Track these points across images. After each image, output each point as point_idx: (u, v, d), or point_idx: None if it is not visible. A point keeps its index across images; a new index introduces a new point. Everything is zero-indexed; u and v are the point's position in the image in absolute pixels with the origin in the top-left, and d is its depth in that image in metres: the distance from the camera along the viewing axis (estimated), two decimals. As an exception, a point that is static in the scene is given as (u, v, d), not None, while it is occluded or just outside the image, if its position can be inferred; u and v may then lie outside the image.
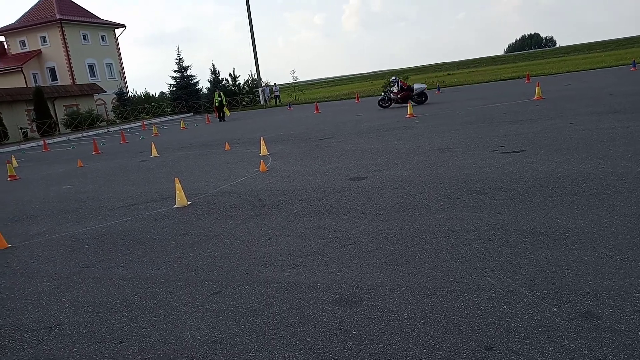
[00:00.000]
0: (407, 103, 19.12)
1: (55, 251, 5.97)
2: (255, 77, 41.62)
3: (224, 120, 27.71)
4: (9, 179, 13.51)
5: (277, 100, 40.13)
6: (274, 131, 17.38)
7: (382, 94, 21.60)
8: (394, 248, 4.57)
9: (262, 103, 39.98)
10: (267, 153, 11.74)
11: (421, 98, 19.92)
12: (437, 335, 3.01)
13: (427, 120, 14.47)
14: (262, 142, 12.12)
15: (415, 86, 20.12)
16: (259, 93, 40.71)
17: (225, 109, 29.05)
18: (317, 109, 25.25)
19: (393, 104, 20.44)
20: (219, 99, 28.24)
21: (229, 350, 3.16)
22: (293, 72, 47.86)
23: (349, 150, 10.83)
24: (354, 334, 3.17)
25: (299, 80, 42.53)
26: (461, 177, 6.95)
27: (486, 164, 7.59)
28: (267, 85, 41.69)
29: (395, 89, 19.96)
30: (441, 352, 2.82)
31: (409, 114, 15.95)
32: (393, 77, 20.54)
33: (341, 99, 35.05)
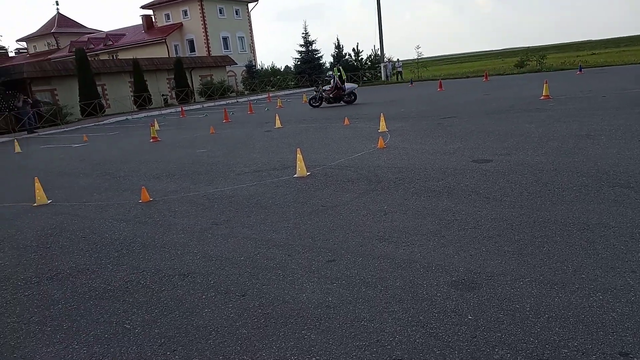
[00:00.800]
0: (339, 103, 19.67)
1: (189, 207, 6.57)
2: (379, 52, 41.22)
3: None
4: (151, 141, 15.05)
5: (399, 76, 39.44)
6: (394, 108, 17.15)
7: (314, 92, 20.82)
8: (519, 237, 4.30)
9: (383, 79, 39.59)
10: (386, 129, 11.64)
11: (351, 97, 19.98)
12: (562, 332, 2.80)
13: (565, 102, 13.23)
14: (382, 119, 12.03)
15: (347, 86, 20.14)
16: (380, 68, 40.33)
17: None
18: (440, 86, 24.38)
19: (324, 103, 20.08)
20: (338, 73, 28.21)
21: (342, 316, 3.25)
22: (418, 47, 46.38)
23: (474, 130, 10.32)
24: (469, 318, 3.06)
25: (423, 56, 41.24)
26: (602, 167, 6.28)
27: (634, 154, 6.76)
28: (389, 60, 41.10)
29: (327, 87, 19.48)
30: (566, 351, 2.62)
31: (544, 95, 14.71)
32: (330, 72, 19.68)
33: (467, 77, 33.36)
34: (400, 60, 40.67)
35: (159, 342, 3.19)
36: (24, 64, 31.72)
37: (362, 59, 42.83)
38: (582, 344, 2.66)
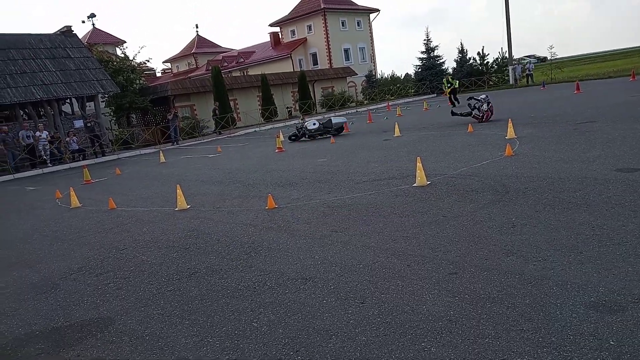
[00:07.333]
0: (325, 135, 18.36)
1: (310, 215, 6.80)
2: (507, 54, 39.01)
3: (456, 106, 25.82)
4: (277, 151, 15.87)
5: (530, 79, 36.93)
6: (524, 113, 16.08)
7: (296, 129, 19.28)
8: (674, 255, 3.77)
9: (511, 82, 37.36)
10: (514, 136, 10.96)
11: (339, 132, 18.77)
12: None
13: None
14: (509, 124, 11.35)
15: (335, 120, 18.76)
16: (508, 72, 38.11)
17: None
18: (577, 88, 22.31)
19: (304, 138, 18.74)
20: (449, 85, 26.37)
21: (465, 331, 3.12)
22: (551, 47, 43.19)
23: (619, 136, 9.28)
24: (611, 344, 2.76)
25: (556, 57, 38.18)
26: None
27: None
28: (518, 63, 38.69)
29: (313, 126, 18.56)
30: None
31: None
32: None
33: (610, 77, 30.11)
34: (532, 62, 38.06)
35: (283, 342, 3.34)
36: (169, 82, 35.46)
37: (487, 62, 40.95)
38: None
